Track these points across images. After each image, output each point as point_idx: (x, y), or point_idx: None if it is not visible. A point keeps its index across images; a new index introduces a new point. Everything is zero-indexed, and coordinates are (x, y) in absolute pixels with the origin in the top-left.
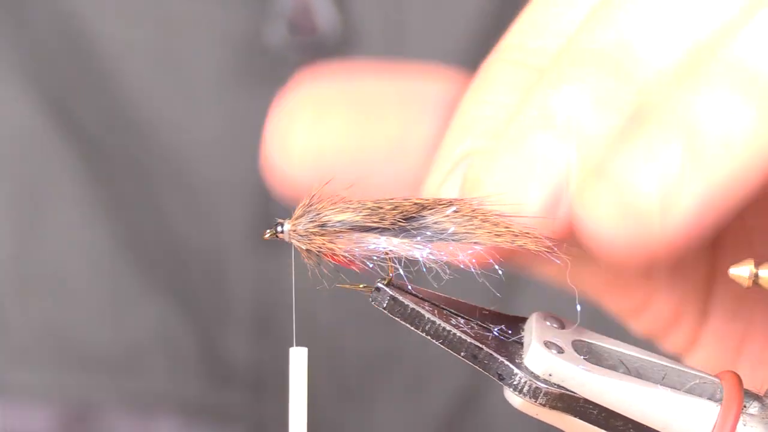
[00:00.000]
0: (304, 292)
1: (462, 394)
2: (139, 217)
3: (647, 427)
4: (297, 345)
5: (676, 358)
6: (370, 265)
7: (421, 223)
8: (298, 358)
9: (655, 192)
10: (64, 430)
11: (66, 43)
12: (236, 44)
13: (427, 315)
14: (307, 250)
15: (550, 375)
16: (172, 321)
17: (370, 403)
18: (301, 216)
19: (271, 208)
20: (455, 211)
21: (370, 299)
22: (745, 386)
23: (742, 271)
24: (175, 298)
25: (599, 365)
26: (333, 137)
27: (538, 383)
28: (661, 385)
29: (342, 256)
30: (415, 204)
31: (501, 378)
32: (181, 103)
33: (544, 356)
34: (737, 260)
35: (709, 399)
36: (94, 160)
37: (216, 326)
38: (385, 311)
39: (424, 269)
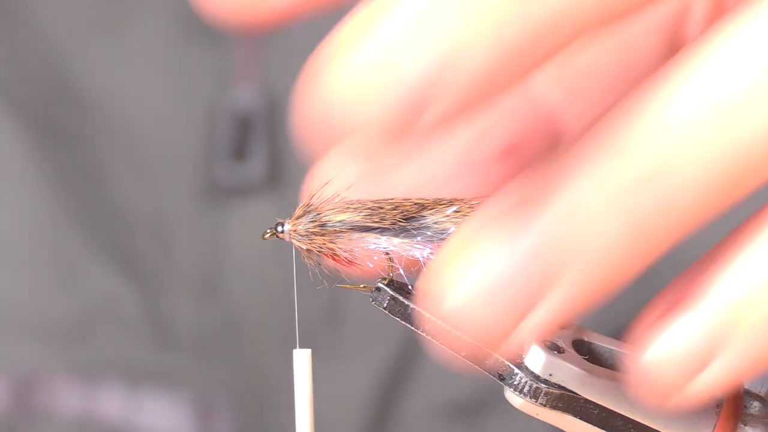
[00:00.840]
0: (248, 248)
1: (401, 357)
2: (82, 185)
3: (647, 426)
4: (300, 347)
5: None
6: (371, 265)
7: (422, 223)
8: (302, 360)
9: None
10: (12, 400)
11: (5, 16)
12: (176, 10)
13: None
14: (308, 250)
15: (550, 375)
16: (118, 288)
17: (315, 360)
18: (301, 216)
19: (215, 173)
20: (456, 211)
21: (371, 299)
22: (746, 386)
23: None
24: (120, 265)
25: (600, 365)
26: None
27: (539, 383)
28: None
29: (342, 256)
30: (416, 204)
31: (501, 378)
32: (123, 70)
33: (545, 356)
34: None
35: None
36: (36, 130)
37: (162, 292)
38: (386, 311)
39: (425, 269)
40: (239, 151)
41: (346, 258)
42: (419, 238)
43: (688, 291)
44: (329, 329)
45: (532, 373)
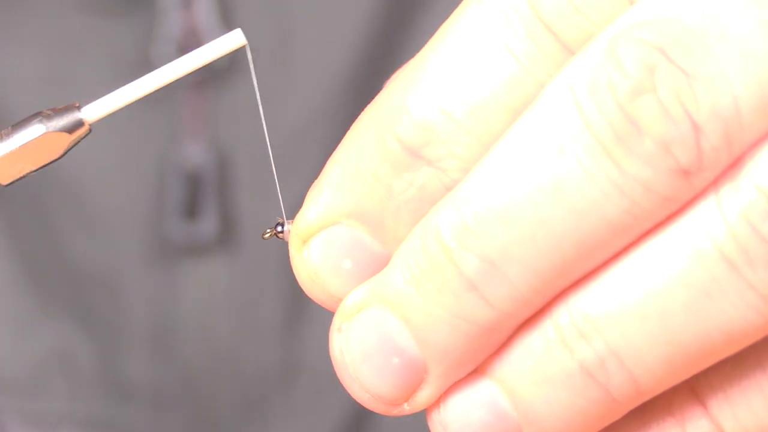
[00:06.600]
0: (201, 306)
1: (357, 411)
2: (34, 240)
3: None
4: None
5: None
6: None
7: None
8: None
9: None
10: None
11: None
12: (125, 68)
13: None
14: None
15: None
16: (73, 341)
17: (270, 415)
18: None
19: (166, 231)
20: None
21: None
22: None
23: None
24: (74, 319)
25: None
26: None
27: None
28: None
29: None
30: None
31: None
32: None
33: None
34: None
35: None
36: None
37: (116, 346)
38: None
39: None
40: (190, 209)
41: None
42: None
43: None
44: (284, 384)
45: None
